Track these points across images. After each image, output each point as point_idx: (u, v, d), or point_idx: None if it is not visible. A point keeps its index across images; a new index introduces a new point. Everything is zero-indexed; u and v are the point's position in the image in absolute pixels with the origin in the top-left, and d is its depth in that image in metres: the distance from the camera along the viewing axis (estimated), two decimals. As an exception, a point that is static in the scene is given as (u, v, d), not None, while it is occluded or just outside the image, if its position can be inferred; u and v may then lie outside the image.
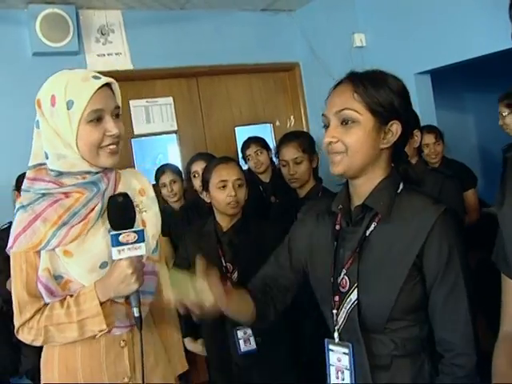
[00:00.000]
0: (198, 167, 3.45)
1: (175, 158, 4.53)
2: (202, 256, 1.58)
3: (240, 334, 2.32)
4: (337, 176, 1.47)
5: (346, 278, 1.43)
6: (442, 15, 4.02)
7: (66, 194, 1.56)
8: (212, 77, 4.64)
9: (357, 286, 1.39)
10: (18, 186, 3.46)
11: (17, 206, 1.59)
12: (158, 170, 3.79)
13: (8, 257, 3.32)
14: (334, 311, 1.44)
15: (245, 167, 4.13)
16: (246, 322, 1.58)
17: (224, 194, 2.39)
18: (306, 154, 2.86)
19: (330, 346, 1.46)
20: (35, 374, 3.27)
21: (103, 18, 4.09)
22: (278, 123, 5.01)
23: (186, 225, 3.37)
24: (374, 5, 4.68)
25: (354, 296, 1.39)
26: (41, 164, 1.61)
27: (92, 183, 1.57)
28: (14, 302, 1.57)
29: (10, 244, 1.57)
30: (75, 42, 3.87)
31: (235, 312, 1.49)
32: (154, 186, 3.74)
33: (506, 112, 3.64)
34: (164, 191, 3.68)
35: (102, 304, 1.53)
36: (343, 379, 1.42)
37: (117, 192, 1.64)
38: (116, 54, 4.13)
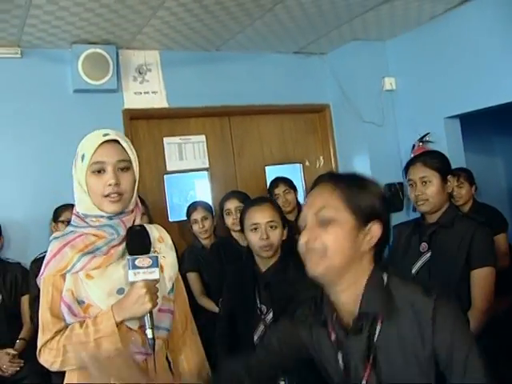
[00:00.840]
0: (231, 205, 3.52)
1: (206, 194, 4.60)
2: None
3: None
4: (316, 276, 1.40)
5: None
6: (472, 60, 4.09)
7: (91, 233, 1.73)
8: (244, 116, 4.73)
9: None
10: (55, 217, 3.59)
11: (51, 238, 1.76)
12: (189, 206, 3.86)
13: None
14: None
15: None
16: None
17: (256, 237, 2.38)
18: None
19: None
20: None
21: (142, 57, 4.24)
22: (307, 163, 5.06)
23: (216, 262, 3.42)
24: (404, 49, 4.79)
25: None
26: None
27: (109, 226, 1.72)
28: (39, 325, 1.69)
29: (41, 271, 1.72)
30: (114, 80, 4.00)
31: None
32: (184, 222, 3.90)
33: None
34: (195, 227, 3.75)
35: (118, 326, 1.63)
36: None
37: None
38: (152, 92, 4.26)
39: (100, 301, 1.68)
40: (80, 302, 1.69)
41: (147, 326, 1.66)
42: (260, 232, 2.37)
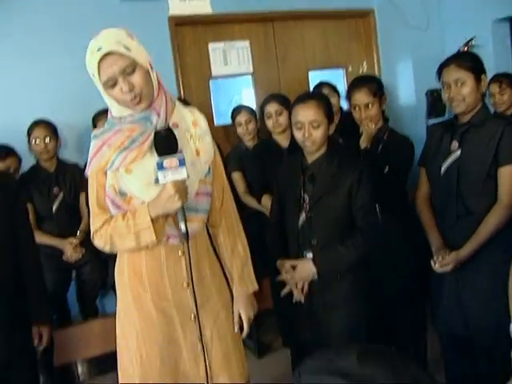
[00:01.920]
0: (272, 108, 3.65)
1: (250, 99, 4.72)
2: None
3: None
4: None
5: None
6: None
7: (126, 128, 1.85)
8: (288, 21, 4.75)
9: None
10: (94, 124, 3.78)
11: (92, 136, 1.92)
12: (234, 109, 4.00)
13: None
14: None
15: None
16: None
17: (300, 134, 2.48)
18: (376, 98, 3.01)
19: None
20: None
21: (186, -37, 4.27)
22: (350, 68, 5.08)
23: (259, 162, 3.60)
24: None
25: None
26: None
27: (144, 118, 1.83)
28: (90, 216, 1.94)
29: (87, 168, 1.92)
30: (163, -13, 4.06)
31: None
32: (229, 125, 4.07)
33: None
34: (239, 130, 3.91)
35: (153, 221, 1.81)
36: None
37: (169, 122, 1.89)
38: (197, -2, 4.32)
39: (140, 192, 1.86)
40: (122, 195, 1.88)
41: (179, 220, 1.83)
42: (303, 130, 2.46)
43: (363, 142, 2.99)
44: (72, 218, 3.78)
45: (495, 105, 3.96)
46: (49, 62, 3.91)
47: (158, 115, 1.84)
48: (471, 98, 2.53)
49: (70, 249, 3.65)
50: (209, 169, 2.00)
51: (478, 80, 2.55)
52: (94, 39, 1.79)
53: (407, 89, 4.84)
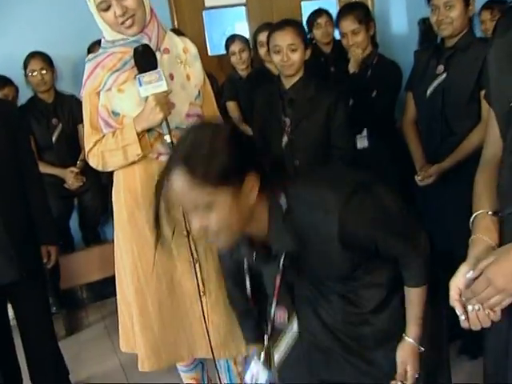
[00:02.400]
0: (264, 37, 3.67)
1: (243, 30, 4.74)
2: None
3: None
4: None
5: None
6: None
7: (118, 51, 1.93)
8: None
9: None
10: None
11: (86, 60, 2.00)
12: (227, 39, 4.04)
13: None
14: None
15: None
16: None
17: (278, 58, 2.59)
18: (363, 25, 3.07)
19: None
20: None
21: None
22: (343, -3, 5.07)
23: (252, 91, 3.66)
24: None
25: None
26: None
27: (136, 42, 1.90)
28: (84, 136, 2.05)
29: (81, 91, 2.01)
30: None
31: None
32: (223, 55, 4.11)
33: None
34: (233, 59, 3.95)
35: (139, 136, 1.90)
36: None
37: (160, 47, 1.97)
38: None
39: (132, 110, 1.94)
40: (115, 114, 1.96)
41: (164, 132, 1.89)
42: (281, 54, 2.56)
43: (351, 67, 3.07)
44: (71, 148, 3.87)
45: (485, 31, 3.98)
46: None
47: (150, 40, 1.93)
48: (459, 21, 2.58)
49: (71, 177, 3.77)
50: (199, 92, 2.08)
51: (466, 3, 2.60)
52: None
53: (399, 17, 4.85)
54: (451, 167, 2.60)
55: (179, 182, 1.30)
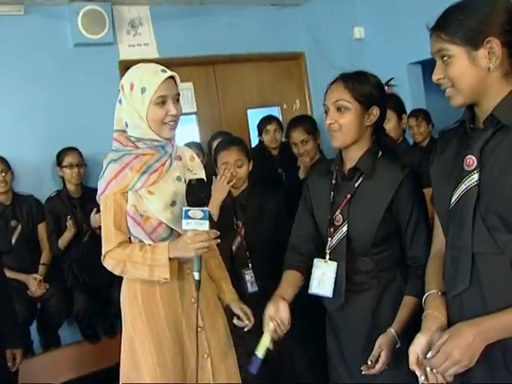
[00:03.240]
0: None
1: (195, 135, 5.08)
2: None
3: (247, 277, 2.85)
4: (335, 148, 2.03)
5: (340, 215, 1.99)
6: (436, 9, 4.53)
7: (143, 154, 2.02)
8: (227, 64, 5.17)
9: (348, 221, 1.97)
10: (58, 162, 4.08)
11: (107, 161, 2.04)
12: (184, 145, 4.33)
13: (58, 217, 3.97)
14: (329, 239, 2.02)
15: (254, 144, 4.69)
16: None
17: (228, 173, 2.87)
18: (311, 135, 3.47)
19: (318, 263, 2.03)
20: (84, 316, 3.90)
21: (134, 12, 4.66)
22: (285, 106, 5.56)
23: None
24: (372, 0, 5.21)
25: (345, 228, 1.97)
26: (121, 130, 2.08)
27: (160, 147, 2.02)
28: (102, 236, 2.03)
29: (101, 190, 2.01)
30: (110, 34, 4.42)
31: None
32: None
33: None
34: (188, 164, 4.22)
35: (170, 260, 1.93)
36: (323, 288, 2.00)
37: (177, 155, 2.12)
38: (144, 44, 4.70)
39: (158, 212, 1.99)
40: (141, 215, 1.99)
41: (194, 269, 1.93)
42: (229, 169, 2.86)
43: (301, 174, 3.43)
44: (32, 250, 3.95)
45: (413, 136, 4.52)
46: (7, 103, 4.19)
47: (172, 147, 2.07)
48: (394, 132, 3.01)
49: (34, 284, 3.77)
50: None
51: (399, 118, 3.05)
52: (152, 64, 2.06)
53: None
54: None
55: (337, 83, 2.03)
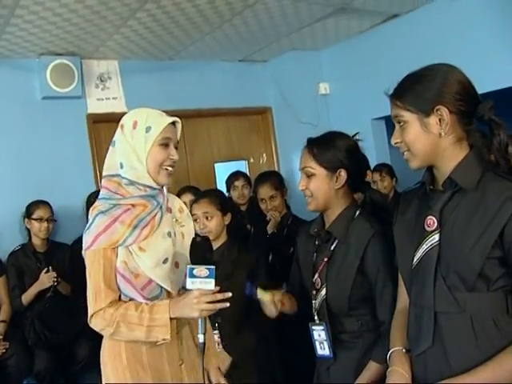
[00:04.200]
0: (186, 198, 4.01)
1: (161, 189, 5.07)
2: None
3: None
4: (312, 211, 2.07)
5: (319, 278, 2.03)
6: (390, 71, 4.68)
7: (133, 205, 1.91)
8: (195, 119, 5.20)
9: (326, 285, 2.00)
10: (28, 214, 4.01)
11: (95, 212, 1.90)
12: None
13: (21, 272, 3.85)
14: (313, 301, 2.05)
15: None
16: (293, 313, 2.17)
17: (197, 226, 2.82)
18: (279, 191, 3.49)
19: (313, 327, 2.05)
20: (46, 375, 3.73)
21: (103, 67, 4.70)
22: (252, 160, 5.62)
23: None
24: (337, 58, 5.38)
25: (323, 291, 2.01)
26: (112, 175, 1.96)
27: (152, 197, 1.93)
28: (89, 293, 1.87)
29: (88, 244, 1.87)
30: (79, 87, 4.44)
31: (288, 310, 2.12)
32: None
33: None
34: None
35: (171, 320, 1.81)
36: (324, 349, 2.03)
37: (172, 209, 2.06)
38: (113, 98, 4.72)
39: (149, 270, 1.88)
40: (131, 272, 1.87)
41: (199, 331, 1.83)
42: (199, 222, 2.85)
43: (270, 228, 3.44)
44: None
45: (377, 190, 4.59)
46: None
47: (163, 197, 1.99)
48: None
49: None
50: None
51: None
52: (154, 109, 2.00)
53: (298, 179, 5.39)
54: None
55: (305, 150, 2.06)
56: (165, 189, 2.02)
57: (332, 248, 2.02)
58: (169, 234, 1.98)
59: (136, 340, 1.88)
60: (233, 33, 4.50)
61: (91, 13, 3.53)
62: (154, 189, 1.94)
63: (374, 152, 4.97)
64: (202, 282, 1.77)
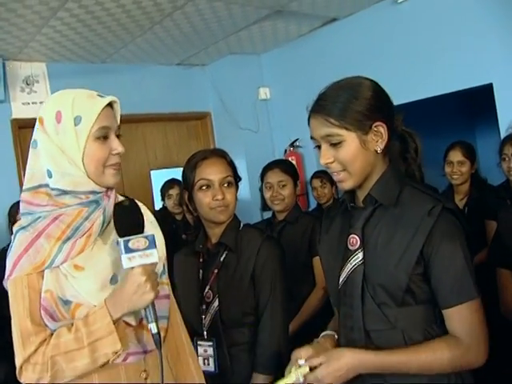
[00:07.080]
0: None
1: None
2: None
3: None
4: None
5: (210, 291, 1.98)
6: (331, 74, 4.62)
7: (66, 212, 1.44)
8: (130, 124, 5.00)
9: (218, 296, 1.97)
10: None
11: (15, 229, 1.46)
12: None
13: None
14: (203, 316, 1.98)
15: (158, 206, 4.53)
16: None
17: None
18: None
19: (199, 342, 2.00)
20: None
21: (29, 69, 4.46)
22: (190, 167, 5.44)
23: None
24: (277, 62, 5.30)
25: (216, 303, 1.96)
26: (39, 186, 1.47)
27: (95, 202, 1.45)
28: (15, 337, 1.39)
29: (9, 271, 1.41)
30: (1, 91, 4.20)
31: None
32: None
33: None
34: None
35: (115, 324, 1.37)
36: (209, 364, 1.96)
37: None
38: (40, 102, 4.48)
39: (92, 296, 1.41)
40: (66, 303, 1.40)
41: (150, 320, 1.39)
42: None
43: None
44: None
45: (317, 197, 4.48)
46: None
47: (109, 198, 1.51)
48: (289, 198, 2.95)
49: None
50: (163, 267, 1.62)
51: (295, 184, 2.99)
52: (83, 89, 1.51)
53: (242, 185, 5.24)
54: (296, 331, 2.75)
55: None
56: (113, 191, 1.55)
57: (222, 259, 2.01)
58: (117, 243, 1.43)
59: (84, 373, 1.39)
60: (165, 36, 4.35)
61: (5, 10, 3.32)
62: (98, 193, 1.48)
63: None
64: (143, 255, 1.35)
